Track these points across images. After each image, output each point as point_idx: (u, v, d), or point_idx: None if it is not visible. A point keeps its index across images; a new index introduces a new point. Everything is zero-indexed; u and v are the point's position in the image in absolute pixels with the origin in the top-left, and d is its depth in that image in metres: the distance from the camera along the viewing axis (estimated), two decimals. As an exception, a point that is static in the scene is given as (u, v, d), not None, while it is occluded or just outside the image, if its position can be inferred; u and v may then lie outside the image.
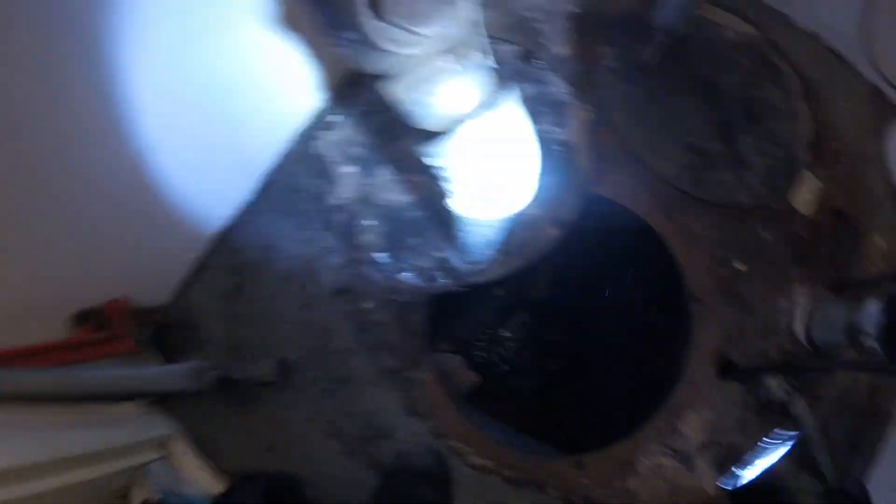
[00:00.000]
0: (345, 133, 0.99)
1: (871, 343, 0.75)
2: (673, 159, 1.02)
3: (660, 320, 1.17)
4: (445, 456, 0.87)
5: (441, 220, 0.92)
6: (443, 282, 0.92)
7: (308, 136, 1.01)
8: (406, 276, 0.92)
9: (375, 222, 0.95)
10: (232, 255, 0.95)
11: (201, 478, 0.89)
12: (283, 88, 0.90)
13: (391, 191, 0.96)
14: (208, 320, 0.93)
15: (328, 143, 0.99)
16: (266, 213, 0.97)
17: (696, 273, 1.00)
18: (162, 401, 0.91)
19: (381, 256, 0.93)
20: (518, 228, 0.92)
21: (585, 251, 1.20)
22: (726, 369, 0.96)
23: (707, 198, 1.00)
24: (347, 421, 0.88)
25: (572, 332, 1.34)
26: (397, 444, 0.86)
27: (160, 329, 0.92)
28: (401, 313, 0.91)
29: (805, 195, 1.04)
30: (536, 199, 0.79)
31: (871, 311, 0.76)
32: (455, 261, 0.92)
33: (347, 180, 0.97)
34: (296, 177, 1.00)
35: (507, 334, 1.14)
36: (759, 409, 0.94)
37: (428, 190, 0.94)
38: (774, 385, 0.90)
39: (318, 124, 0.99)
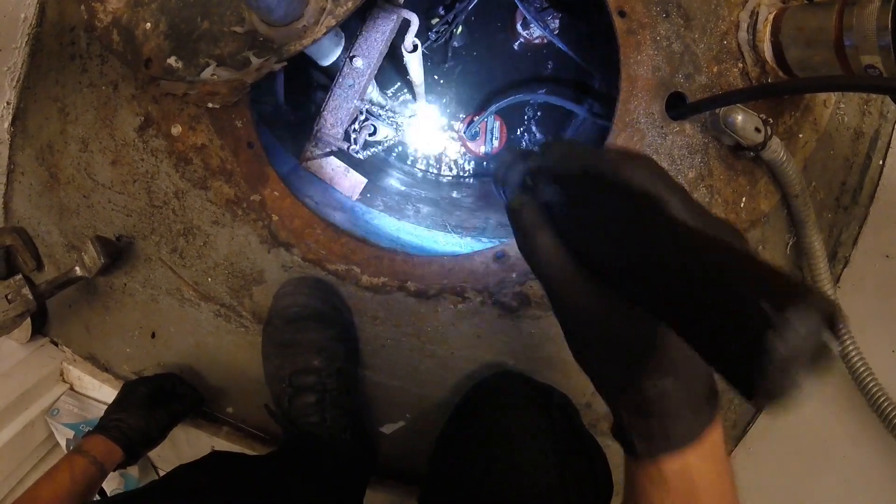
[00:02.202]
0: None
1: (871, 57, 0.52)
2: None
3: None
4: (330, 284, 0.65)
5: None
6: (258, 61, 0.64)
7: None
8: (210, 71, 0.65)
9: (154, 22, 0.68)
10: (33, 141, 0.76)
11: (106, 395, 0.79)
12: None
13: (162, -29, 0.68)
14: (39, 227, 0.77)
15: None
16: (45, 73, 0.75)
17: None
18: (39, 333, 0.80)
19: (173, 61, 0.67)
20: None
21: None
22: (677, 104, 0.66)
23: None
24: (212, 279, 0.68)
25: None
26: (272, 288, 0.66)
27: (8, 256, 0.79)
28: (222, 123, 0.66)
29: None
30: None
31: (869, 17, 0.51)
32: (266, 29, 0.64)
33: (112, -14, 0.70)
34: (62, 14, 0.76)
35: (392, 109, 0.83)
36: (725, 155, 0.68)
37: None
38: (741, 121, 0.63)
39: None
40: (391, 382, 0.68)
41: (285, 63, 0.64)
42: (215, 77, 0.65)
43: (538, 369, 0.69)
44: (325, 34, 0.63)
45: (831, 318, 0.17)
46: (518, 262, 0.66)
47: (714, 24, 0.67)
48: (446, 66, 1.14)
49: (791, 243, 0.74)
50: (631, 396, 0.29)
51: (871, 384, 0.61)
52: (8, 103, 0.78)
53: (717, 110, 0.65)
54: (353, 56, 0.75)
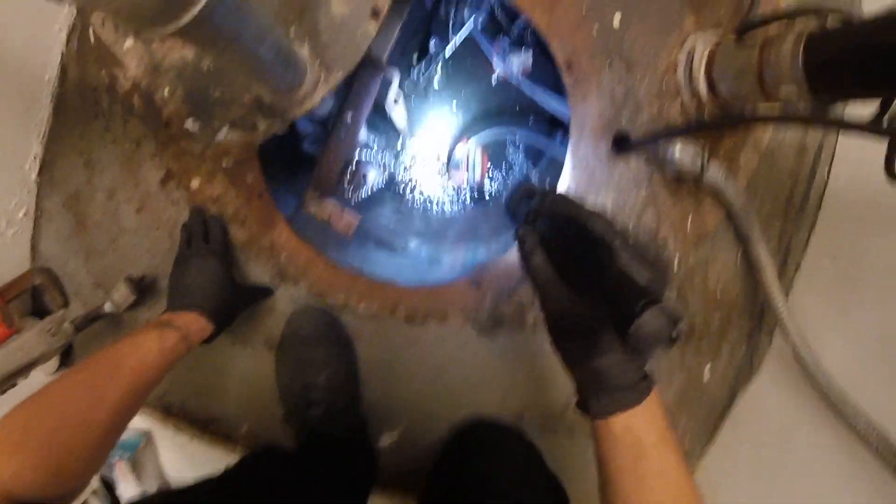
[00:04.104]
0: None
1: (788, 87, 0.59)
2: None
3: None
4: (332, 313, 0.75)
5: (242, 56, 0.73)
6: (265, 124, 0.75)
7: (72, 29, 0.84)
8: (224, 133, 0.76)
9: (171, 88, 0.78)
10: (60, 189, 0.85)
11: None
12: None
13: (176, 47, 0.78)
14: (67, 267, 0.86)
15: (98, 24, 0.81)
16: (70, 129, 0.85)
17: (561, 34, 0.75)
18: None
19: (190, 123, 0.77)
20: (327, 34, 0.72)
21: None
22: (621, 142, 0.75)
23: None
24: (227, 312, 0.78)
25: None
26: (282, 318, 0.76)
27: (35, 296, 0.88)
28: (235, 177, 0.77)
29: None
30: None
31: (785, 52, 0.58)
32: (270, 97, 0.74)
33: (131, 55, 0.81)
34: (83, 76, 0.85)
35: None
36: (668, 182, 0.75)
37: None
38: (678, 153, 0.70)
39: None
40: (386, 399, 0.79)
41: (288, 125, 0.75)
42: (228, 138, 0.75)
43: (514, 384, 0.80)
44: (321, 100, 0.74)
45: (675, 313, 0.34)
46: (491, 286, 0.78)
47: (654, 66, 0.75)
48: (428, 104, 1.25)
49: (740, 254, 0.81)
50: (587, 368, 0.42)
51: (822, 381, 0.67)
52: (35, 157, 0.87)
53: (657, 144, 0.73)
54: (345, 111, 0.86)
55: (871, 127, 0.50)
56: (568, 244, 0.44)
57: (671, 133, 0.72)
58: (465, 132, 1.28)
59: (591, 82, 0.76)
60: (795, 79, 0.57)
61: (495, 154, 1.30)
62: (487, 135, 1.23)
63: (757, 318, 0.85)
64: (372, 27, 0.75)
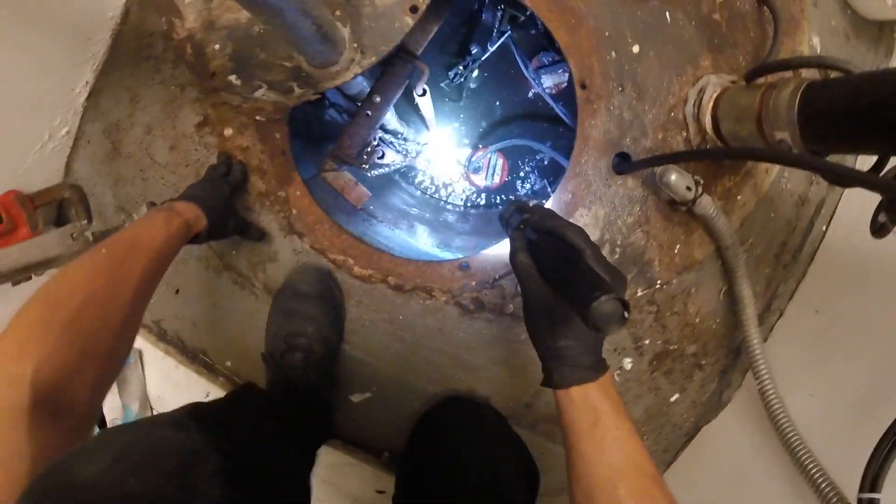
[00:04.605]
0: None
1: (782, 135, 0.61)
2: None
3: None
4: (330, 271, 0.82)
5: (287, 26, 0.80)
6: (300, 91, 0.82)
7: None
8: (262, 92, 0.83)
9: (222, 45, 0.86)
10: (103, 117, 0.93)
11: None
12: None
13: (232, 9, 0.86)
14: (95, 188, 0.93)
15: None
16: (122, 65, 0.92)
17: (580, 53, 0.80)
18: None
19: (233, 78, 0.84)
20: (368, 20, 0.79)
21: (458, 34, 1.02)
22: (622, 161, 0.80)
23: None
24: (234, 253, 0.85)
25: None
26: (284, 266, 0.83)
27: (60, 208, 0.95)
28: (264, 133, 0.84)
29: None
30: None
31: (783, 98, 0.60)
32: (308, 67, 0.82)
33: (191, 9, 0.88)
34: (143, 20, 0.93)
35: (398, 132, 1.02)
36: (662, 208, 0.80)
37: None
38: (674, 180, 0.73)
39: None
40: (366, 358, 0.85)
41: (320, 95, 0.82)
42: (265, 97, 0.82)
43: (487, 365, 0.86)
44: (352, 78, 0.82)
45: (623, 303, 0.40)
46: (478, 273, 0.84)
47: (664, 98, 0.79)
48: (461, 103, 1.32)
49: (724, 290, 0.84)
50: (553, 346, 0.50)
51: (784, 422, 0.69)
52: (87, 83, 0.95)
53: (654, 169, 0.75)
54: (374, 93, 0.94)
55: (862, 177, 0.48)
56: (549, 249, 0.53)
57: (671, 158, 0.75)
58: (488, 138, 1.33)
59: (602, 102, 0.80)
60: (790, 125, 0.59)
61: (516, 163, 1.35)
62: (510, 143, 1.28)
63: (732, 356, 0.88)
64: (409, 21, 0.82)
